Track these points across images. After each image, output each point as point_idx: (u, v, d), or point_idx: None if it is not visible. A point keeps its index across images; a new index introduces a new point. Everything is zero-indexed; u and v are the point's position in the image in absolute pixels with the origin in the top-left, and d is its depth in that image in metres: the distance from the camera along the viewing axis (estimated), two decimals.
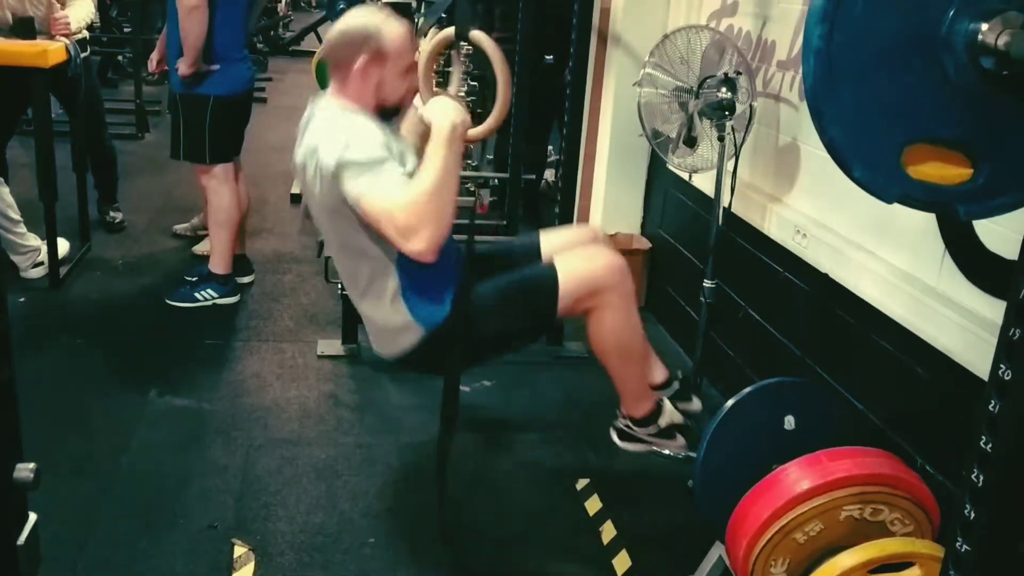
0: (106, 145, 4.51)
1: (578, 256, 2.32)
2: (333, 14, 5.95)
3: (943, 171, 1.16)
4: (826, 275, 2.59)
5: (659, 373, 2.59)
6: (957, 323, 2.05)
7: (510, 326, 2.29)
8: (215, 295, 3.68)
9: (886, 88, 1.12)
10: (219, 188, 3.61)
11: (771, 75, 2.98)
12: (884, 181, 1.15)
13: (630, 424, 2.50)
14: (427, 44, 2.06)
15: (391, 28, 2.18)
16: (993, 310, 1.98)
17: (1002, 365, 1.14)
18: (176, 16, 3.46)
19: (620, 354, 2.37)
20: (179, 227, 4.57)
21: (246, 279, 3.93)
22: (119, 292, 3.84)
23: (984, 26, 1.07)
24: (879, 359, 2.37)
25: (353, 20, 2.19)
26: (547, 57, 4.55)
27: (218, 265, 3.69)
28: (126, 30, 8.82)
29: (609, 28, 4.02)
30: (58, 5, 3.92)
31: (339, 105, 2.17)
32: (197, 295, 3.66)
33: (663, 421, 2.51)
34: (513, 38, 4.03)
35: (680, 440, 2.54)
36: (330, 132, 2.06)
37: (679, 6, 3.70)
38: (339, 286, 3.36)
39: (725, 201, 2.80)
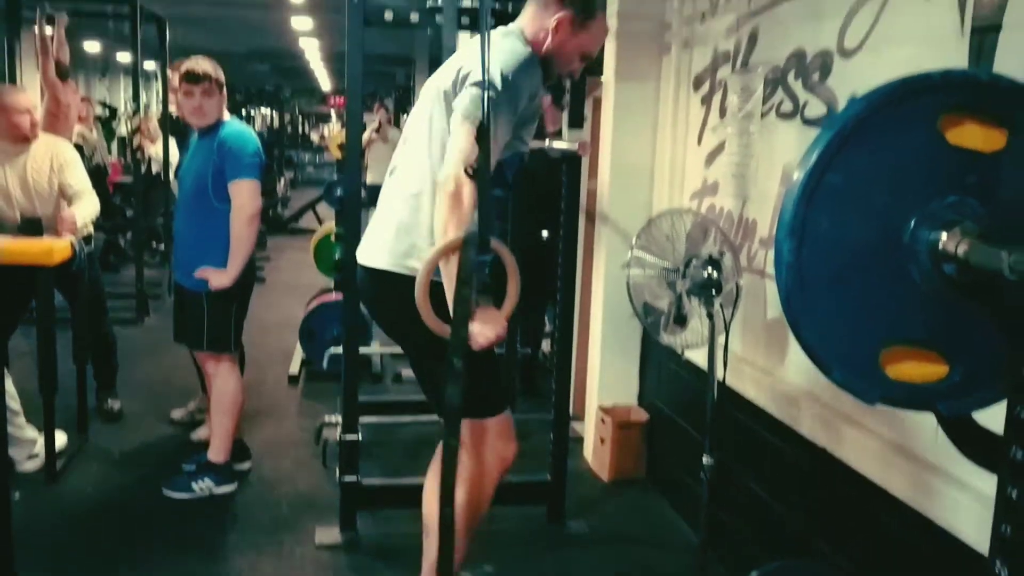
0: (107, 335, 4.58)
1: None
2: (331, 198, 6.18)
3: (920, 370, 1.20)
4: (823, 449, 2.60)
5: None
6: (956, 498, 2.04)
7: (436, 372, 2.26)
8: (213, 485, 3.64)
9: (857, 294, 1.17)
10: (228, 375, 3.65)
11: (755, 252, 3.08)
12: (864, 383, 1.18)
13: None
14: (437, 245, 2.15)
15: (605, 17, 2.42)
16: (991, 485, 1.98)
17: (997, 561, 1.14)
18: (189, 210, 3.60)
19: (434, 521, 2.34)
20: (176, 414, 4.57)
21: (244, 465, 3.90)
22: (115, 484, 3.81)
23: (944, 235, 1.13)
24: (882, 535, 2.34)
25: None
26: (543, 232, 4.71)
27: (218, 453, 3.67)
28: (128, 214, 9.10)
29: (597, 208, 4.17)
30: (65, 203, 4.07)
31: (514, 32, 2.37)
32: (195, 486, 3.63)
33: None
34: (506, 214, 4.18)
35: None
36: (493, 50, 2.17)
37: (663, 187, 3.85)
38: (336, 470, 3.34)
39: (719, 375, 2.83)
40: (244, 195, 3.49)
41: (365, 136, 10.36)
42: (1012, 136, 1.17)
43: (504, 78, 2.20)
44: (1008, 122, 1.17)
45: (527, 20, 2.43)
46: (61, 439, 3.95)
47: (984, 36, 2.03)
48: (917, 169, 1.16)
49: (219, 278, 3.51)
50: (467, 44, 2.39)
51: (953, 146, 1.16)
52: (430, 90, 2.40)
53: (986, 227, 1.14)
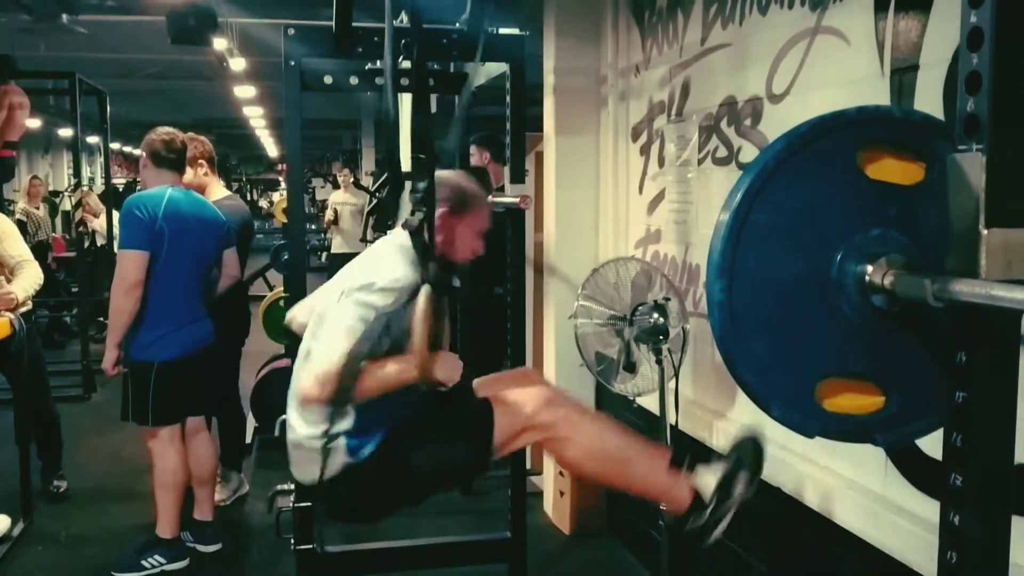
0: (50, 413, 4.46)
1: (510, 389, 2.34)
2: (278, 264, 6.16)
3: (857, 402, 1.21)
4: (779, 488, 2.60)
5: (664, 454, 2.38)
6: (909, 530, 2.05)
7: (444, 461, 2.27)
8: (163, 561, 3.54)
9: (791, 330, 1.18)
10: (164, 451, 3.56)
11: (699, 296, 3.11)
12: (802, 418, 1.19)
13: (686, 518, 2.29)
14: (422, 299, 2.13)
15: (474, 188, 2.35)
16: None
17: None
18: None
19: (604, 470, 2.30)
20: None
21: (210, 548, 3.79)
22: (62, 568, 3.68)
23: (869, 268, 1.15)
24: (842, 572, 2.34)
25: (440, 174, 2.30)
26: (496, 289, 4.70)
27: (165, 529, 3.57)
28: (73, 290, 8.96)
29: (544, 261, 4.20)
30: (2, 279, 3.99)
31: (398, 243, 2.28)
32: (144, 563, 3.52)
33: (707, 496, 2.26)
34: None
35: (739, 487, 2.25)
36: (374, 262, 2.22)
37: (607, 237, 3.89)
38: (291, 540, 3.26)
39: (671, 419, 2.84)
40: (120, 264, 3.43)
41: (329, 212, 10.27)
42: (929, 168, 1.20)
43: (371, 298, 2.13)
44: (925, 155, 1.20)
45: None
46: (4, 523, 3.82)
47: (903, 75, 2.10)
48: (840, 204, 1.18)
49: (104, 363, 3.50)
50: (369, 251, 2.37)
51: (873, 180, 1.19)
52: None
53: (911, 257, 1.16)
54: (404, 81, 4.00)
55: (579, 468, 2.36)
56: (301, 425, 2.24)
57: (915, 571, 2.02)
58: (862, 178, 1.18)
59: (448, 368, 2.17)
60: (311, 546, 3.23)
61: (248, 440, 5.29)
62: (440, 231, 2.27)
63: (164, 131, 3.63)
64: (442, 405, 2.38)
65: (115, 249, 7.21)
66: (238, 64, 8.13)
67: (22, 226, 9.15)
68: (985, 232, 1.02)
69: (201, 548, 3.75)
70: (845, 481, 2.34)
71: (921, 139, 1.21)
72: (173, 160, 3.61)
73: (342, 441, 2.18)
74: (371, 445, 2.19)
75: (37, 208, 9.85)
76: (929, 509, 2.03)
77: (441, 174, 2.37)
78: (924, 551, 1.98)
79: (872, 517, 2.19)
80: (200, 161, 4.14)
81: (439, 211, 2.27)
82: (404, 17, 3.84)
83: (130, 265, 3.38)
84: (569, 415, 2.30)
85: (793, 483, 2.54)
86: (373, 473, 2.20)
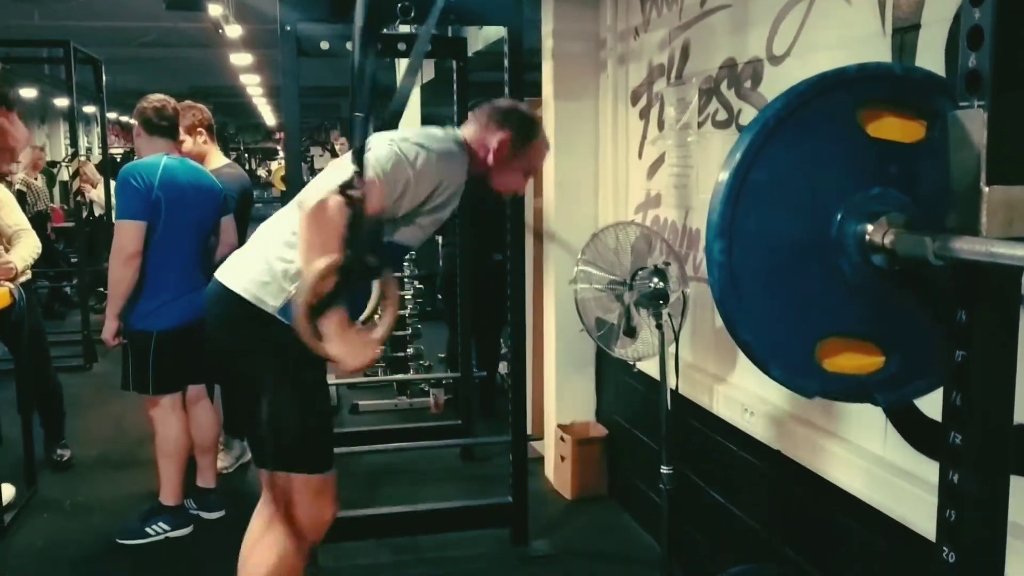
0: (52, 383, 4.48)
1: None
2: None
3: (857, 362, 1.21)
4: (778, 451, 2.61)
5: None
6: (909, 491, 2.06)
7: (282, 411, 2.25)
8: (167, 528, 3.57)
9: (790, 290, 1.18)
10: (165, 419, 3.57)
11: (700, 261, 3.10)
12: (802, 378, 1.19)
13: None
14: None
15: (540, 122, 2.46)
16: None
17: (944, 547, 1.15)
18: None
19: None
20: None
21: (213, 515, 3.82)
22: (67, 536, 3.70)
23: (870, 227, 1.15)
24: (841, 533, 2.36)
25: (507, 100, 2.52)
26: (495, 255, 4.71)
27: (168, 496, 3.60)
28: (73, 260, 8.94)
29: (544, 226, 4.19)
30: (0, 248, 3.98)
31: (454, 136, 2.36)
32: (148, 530, 3.55)
33: None
34: (455, 239, 4.18)
35: None
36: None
37: (607, 202, 3.88)
38: None
39: (671, 384, 2.84)
40: (118, 235, 3.42)
41: None
42: (930, 126, 1.19)
43: (419, 152, 2.19)
44: (926, 113, 1.19)
45: (470, 132, 2.43)
46: (8, 492, 3.85)
47: (905, 35, 2.07)
48: (840, 162, 1.17)
49: (105, 333, 3.50)
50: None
51: (874, 138, 1.17)
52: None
53: (911, 216, 1.15)
54: (401, 46, 3.98)
55: (244, 560, 2.43)
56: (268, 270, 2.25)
57: (915, 532, 2.03)
58: (863, 136, 1.17)
59: (352, 350, 2.01)
60: None
61: None
62: (495, 155, 2.37)
63: (155, 98, 3.59)
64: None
65: (113, 219, 7.23)
66: (234, 31, 8.04)
67: (21, 197, 9.14)
68: (986, 189, 1.01)
69: (205, 515, 3.79)
70: (844, 443, 2.35)
71: (922, 96, 1.19)
72: (166, 127, 3.57)
73: (289, 296, 2.18)
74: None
75: (35, 179, 9.81)
76: (928, 470, 2.04)
77: (508, 100, 2.42)
78: (924, 512, 1.98)
79: (872, 479, 2.20)
80: (199, 129, 4.11)
81: (501, 136, 2.38)
82: None
83: (127, 235, 3.37)
84: (296, 554, 2.38)
85: (791, 444, 2.55)
86: (262, 337, 2.23)
